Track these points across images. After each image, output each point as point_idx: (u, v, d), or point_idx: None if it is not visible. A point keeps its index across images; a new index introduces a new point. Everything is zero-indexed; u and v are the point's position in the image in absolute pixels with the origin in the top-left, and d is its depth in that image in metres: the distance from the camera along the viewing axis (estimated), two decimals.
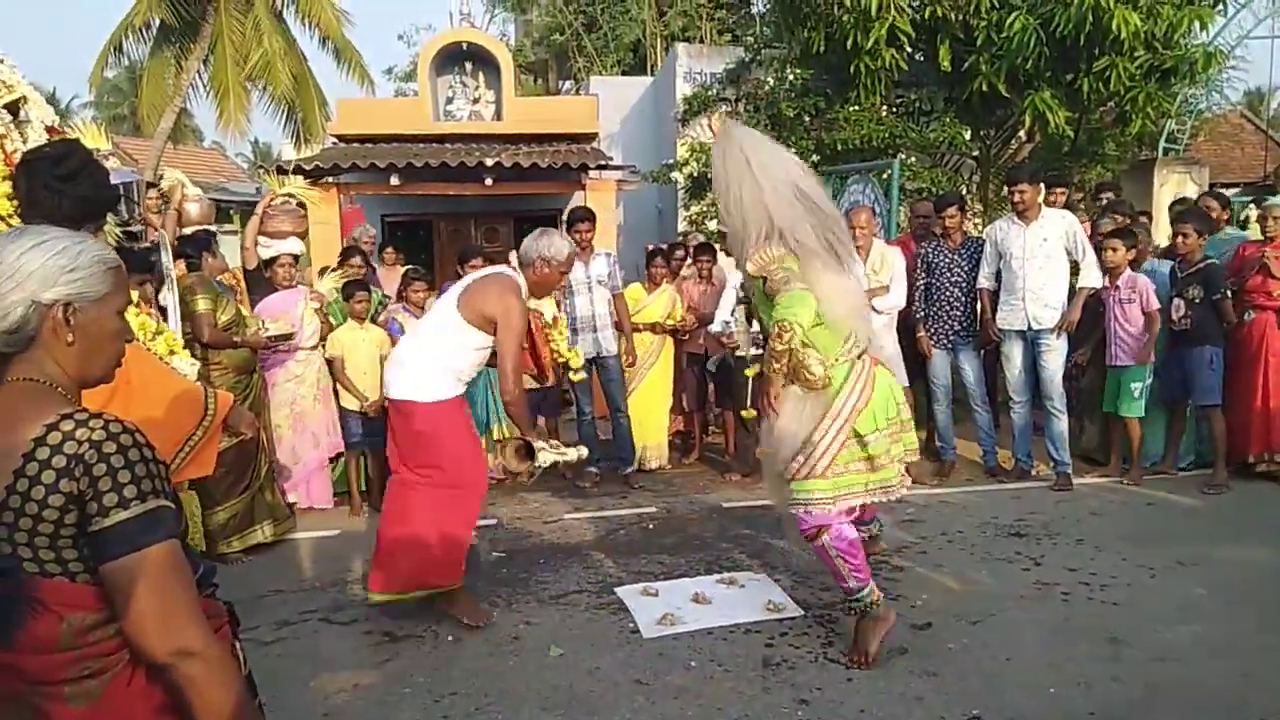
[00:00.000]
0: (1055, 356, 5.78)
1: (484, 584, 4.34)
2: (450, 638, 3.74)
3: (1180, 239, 5.77)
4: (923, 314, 6.17)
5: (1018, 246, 5.75)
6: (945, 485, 5.98)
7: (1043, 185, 6.16)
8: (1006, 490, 5.80)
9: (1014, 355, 5.91)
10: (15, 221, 2.98)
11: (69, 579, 1.27)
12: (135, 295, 3.36)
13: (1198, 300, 5.67)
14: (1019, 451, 6.12)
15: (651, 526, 5.28)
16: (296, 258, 5.84)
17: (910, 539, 4.89)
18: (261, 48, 14.83)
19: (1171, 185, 8.27)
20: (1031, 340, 5.82)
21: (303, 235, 6.18)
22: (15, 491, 1.24)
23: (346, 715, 3.14)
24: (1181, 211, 6.21)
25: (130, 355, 2.97)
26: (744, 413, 4.99)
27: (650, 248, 7.31)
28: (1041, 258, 5.71)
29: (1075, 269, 5.83)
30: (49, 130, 3.35)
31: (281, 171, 8.35)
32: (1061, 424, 5.81)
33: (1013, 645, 3.57)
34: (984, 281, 5.97)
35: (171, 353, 3.32)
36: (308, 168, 8.73)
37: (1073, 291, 5.78)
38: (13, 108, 3.28)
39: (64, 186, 2.80)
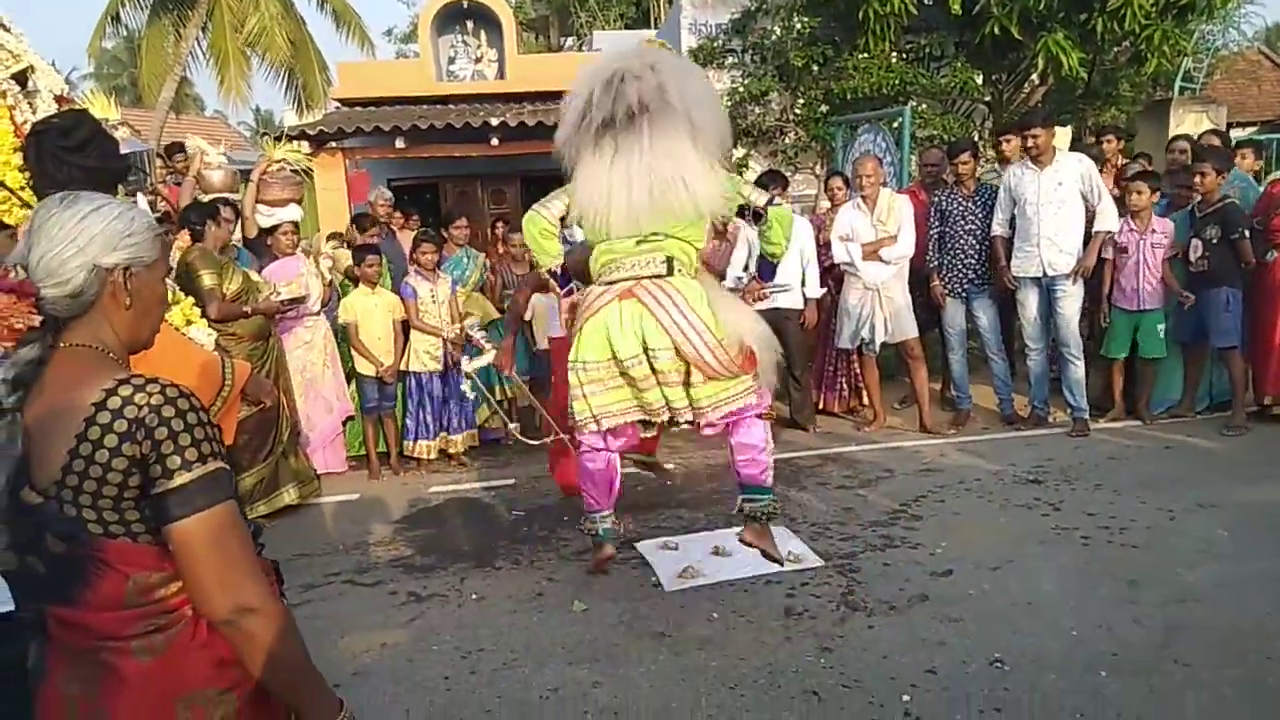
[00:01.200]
0: (1071, 302, 5.72)
1: (505, 543, 4.38)
2: (474, 596, 3.79)
3: (1199, 177, 5.65)
4: (936, 263, 6.11)
5: (1032, 192, 5.66)
6: (962, 434, 5.98)
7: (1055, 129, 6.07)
8: (1023, 437, 5.79)
9: (1029, 302, 5.86)
10: (27, 194, 2.98)
11: (132, 539, 1.29)
12: None
13: (1215, 240, 5.58)
14: (1035, 399, 6.10)
15: (670, 482, 5.30)
16: (297, 225, 5.82)
17: (929, 487, 4.90)
18: (259, 12, 14.64)
19: (1188, 125, 8.09)
20: (1047, 287, 5.76)
21: (300, 201, 6.16)
22: (78, 456, 1.25)
23: (376, 674, 3.19)
24: (1199, 150, 6.11)
25: None
26: None
27: None
28: (1056, 203, 5.62)
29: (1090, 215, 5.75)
30: (58, 100, 3.32)
31: (288, 138, 8.30)
32: (1078, 370, 5.78)
33: (1033, 590, 3.59)
34: (998, 229, 5.89)
35: (189, 323, 3.32)
36: (311, 133, 8.67)
37: (1088, 237, 5.71)
38: (20, 78, 3.24)
39: (73, 157, 2.78)
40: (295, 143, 7.15)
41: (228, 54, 15.02)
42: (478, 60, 10.39)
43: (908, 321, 5.96)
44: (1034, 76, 9.22)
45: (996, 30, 8.08)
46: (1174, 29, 8.07)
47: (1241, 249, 5.54)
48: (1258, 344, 5.72)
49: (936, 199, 6.20)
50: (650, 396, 3.32)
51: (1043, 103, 9.15)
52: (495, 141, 8.66)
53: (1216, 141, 6.35)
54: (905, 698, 2.87)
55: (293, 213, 5.89)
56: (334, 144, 8.83)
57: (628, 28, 15.13)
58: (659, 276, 3.23)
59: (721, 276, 6.12)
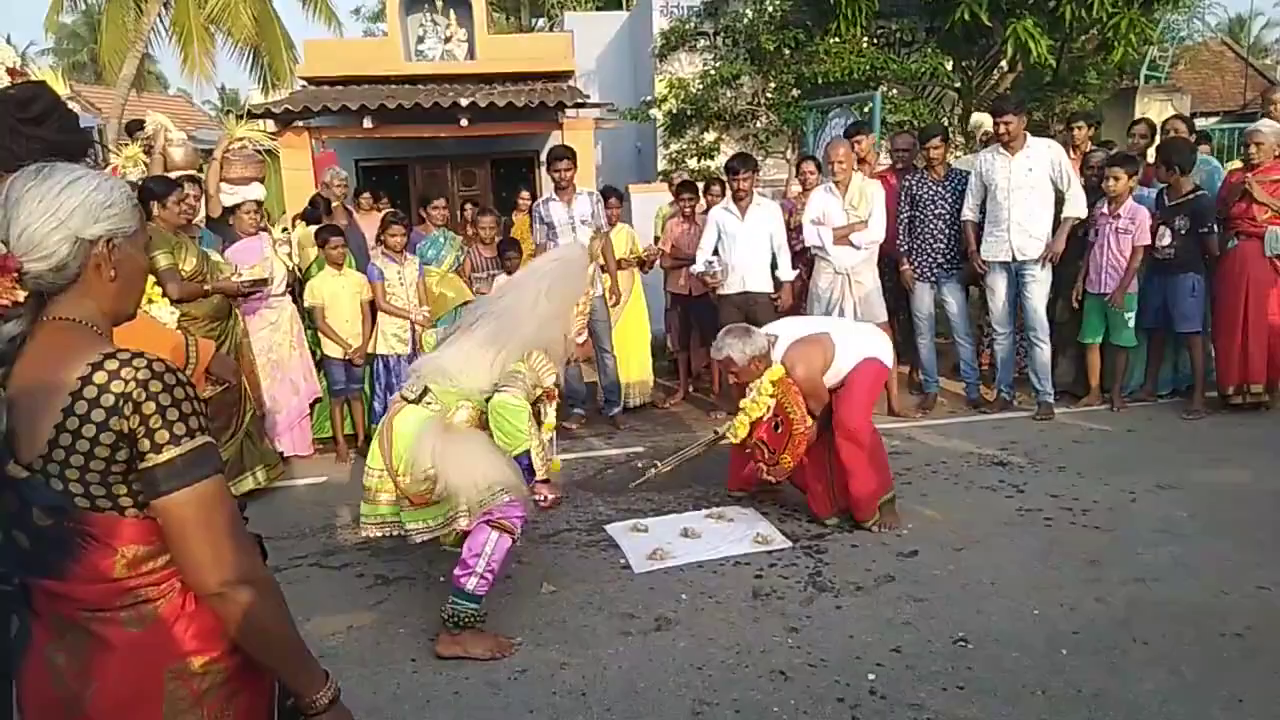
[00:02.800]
0: (1039, 288, 5.78)
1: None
2: (442, 579, 3.75)
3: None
4: (906, 247, 6.15)
5: (1002, 177, 5.70)
6: (929, 417, 6.03)
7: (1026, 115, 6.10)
8: (989, 421, 5.86)
9: (998, 287, 5.91)
10: None
11: (119, 514, 1.30)
12: None
13: (1184, 231, 5.64)
14: (1001, 382, 6.17)
15: (640, 465, 5.29)
16: (259, 203, 5.71)
17: (896, 469, 4.92)
18: None
19: (1153, 113, 8.17)
20: (1016, 271, 5.82)
21: (262, 180, 6.05)
22: (65, 430, 1.25)
23: (343, 656, 3.17)
24: (1163, 144, 6.08)
25: None
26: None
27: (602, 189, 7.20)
28: (1026, 189, 5.66)
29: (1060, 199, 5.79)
30: (10, 72, 3.24)
31: (252, 116, 8.14)
32: (1045, 354, 5.85)
33: (997, 570, 3.64)
34: (969, 214, 5.93)
35: (150, 301, 3.25)
36: (276, 111, 8.51)
37: (1057, 222, 5.76)
38: None
39: (31, 129, 2.70)
40: (258, 121, 7.02)
41: (191, 30, 14.68)
42: (447, 40, 10.25)
43: (877, 305, 5.99)
44: (1003, 63, 9.29)
45: (966, 16, 8.12)
46: (1140, 18, 8.17)
47: (1209, 243, 5.62)
48: (1219, 334, 5.81)
49: (907, 183, 6.22)
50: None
51: (1011, 89, 9.23)
52: (464, 122, 8.56)
53: (1182, 127, 6.36)
54: (871, 676, 2.90)
55: (255, 191, 5.78)
56: (300, 123, 8.67)
57: (599, 9, 15.00)
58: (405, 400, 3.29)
59: (691, 260, 6.15)
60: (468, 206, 7.81)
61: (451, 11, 10.12)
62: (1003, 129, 5.68)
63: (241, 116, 7.20)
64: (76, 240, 1.31)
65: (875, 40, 9.31)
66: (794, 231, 6.23)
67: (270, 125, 8.33)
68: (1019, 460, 5.02)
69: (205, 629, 1.35)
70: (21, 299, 1.34)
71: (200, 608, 1.35)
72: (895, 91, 9.00)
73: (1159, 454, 5.04)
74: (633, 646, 3.16)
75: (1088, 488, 4.51)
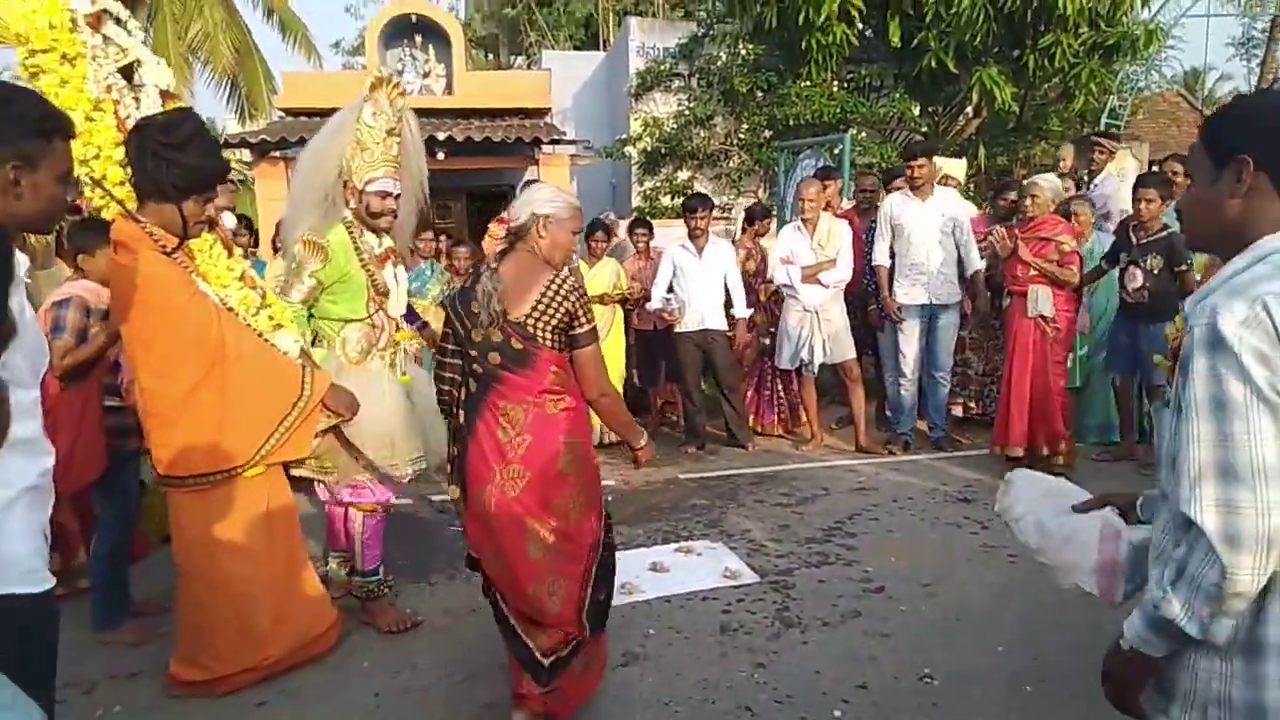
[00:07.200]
0: (953, 330, 5.99)
1: (442, 558, 4.33)
2: (408, 609, 3.73)
3: (1143, 204, 5.29)
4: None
5: (917, 223, 5.81)
6: (894, 456, 6.08)
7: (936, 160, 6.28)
8: (954, 458, 5.93)
9: (912, 332, 5.96)
10: (125, 190, 2.93)
11: (555, 350, 2.61)
12: (239, 269, 3.20)
13: (1156, 271, 5.27)
14: (903, 425, 6.19)
15: (609, 498, 5.26)
16: (234, 233, 5.72)
17: (863, 505, 4.99)
18: (202, 18, 14.39)
19: (1115, 161, 8.43)
20: (931, 315, 5.94)
21: (233, 209, 6.07)
22: (537, 311, 2.58)
23: (305, 694, 3.11)
24: (1144, 175, 5.99)
25: (229, 329, 2.94)
26: None
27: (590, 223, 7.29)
28: (940, 234, 5.80)
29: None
30: (163, 95, 3.24)
31: (228, 145, 8.14)
32: (945, 391, 6.11)
33: (962, 606, 3.67)
34: (880, 258, 5.98)
35: (278, 327, 3.20)
36: (253, 141, 8.53)
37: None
38: (127, 72, 3.17)
39: (173, 155, 2.74)
40: (234, 151, 7.03)
41: (169, 60, 14.65)
42: (425, 75, 10.36)
43: (846, 343, 6.07)
44: (968, 109, 9.54)
45: (934, 63, 8.35)
46: (1100, 68, 8.45)
47: (1187, 280, 5.14)
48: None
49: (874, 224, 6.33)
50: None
51: (976, 135, 9.47)
52: (441, 155, 8.62)
53: (1179, 166, 5.91)
54: (837, 713, 2.91)
55: (227, 220, 5.79)
56: (276, 153, 8.69)
57: (577, 49, 15.22)
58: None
59: (647, 298, 6.19)
60: (442, 238, 7.84)
61: (430, 47, 10.24)
62: (916, 173, 5.80)
63: (230, 145, 7.20)
64: (532, 215, 2.65)
65: (845, 84, 9.54)
66: (755, 275, 6.40)
67: (246, 155, 8.34)
68: (983, 497, 5.08)
69: (585, 422, 2.76)
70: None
71: (580, 408, 2.69)
72: (864, 134, 9.20)
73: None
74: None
75: None
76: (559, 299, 2.56)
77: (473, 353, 2.61)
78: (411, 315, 3.84)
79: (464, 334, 2.63)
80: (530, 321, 2.55)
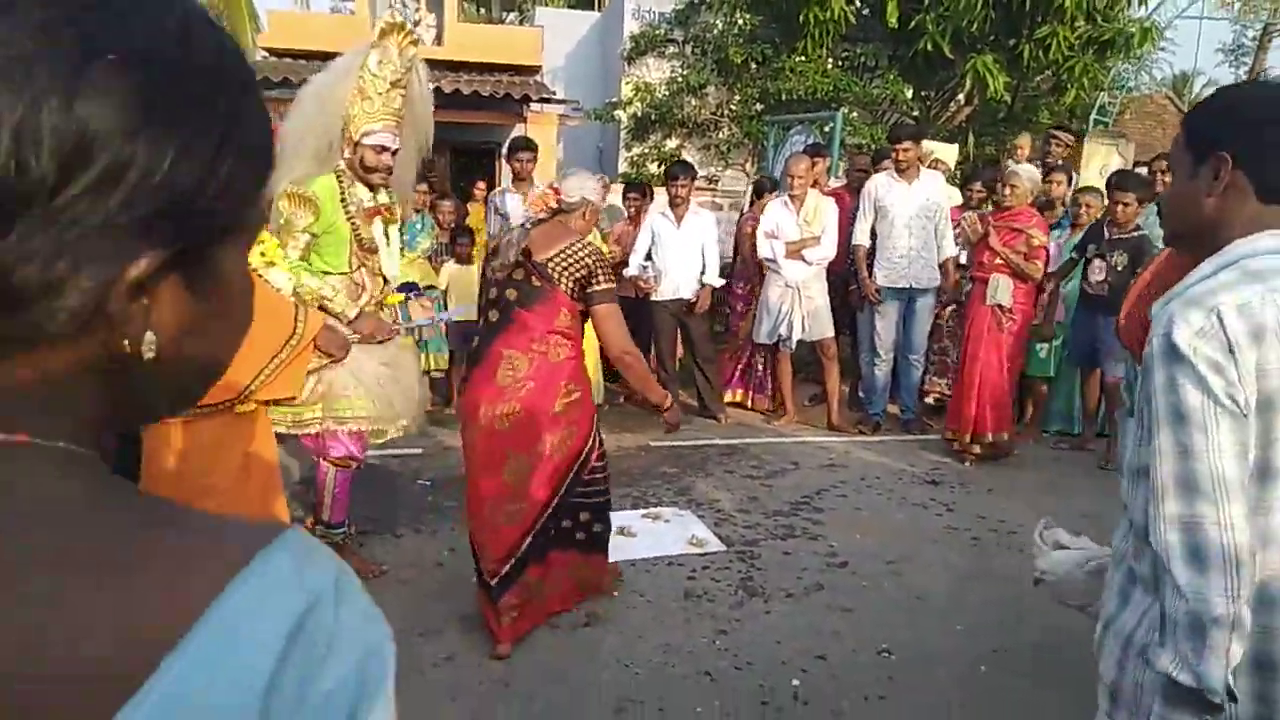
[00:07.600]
0: (929, 314, 6.02)
1: (408, 512, 4.30)
2: (374, 562, 3.70)
3: (1120, 207, 5.33)
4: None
5: (900, 206, 5.80)
6: (864, 435, 6.12)
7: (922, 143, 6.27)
8: (923, 441, 5.98)
9: (890, 314, 5.98)
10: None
11: (570, 297, 2.93)
12: None
13: (1120, 268, 5.35)
14: (875, 406, 6.22)
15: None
16: None
17: (832, 482, 5.01)
18: None
19: (1100, 157, 8.46)
20: (909, 298, 5.96)
21: None
22: (559, 258, 2.92)
23: None
24: (1123, 174, 5.91)
25: None
26: None
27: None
28: (923, 218, 5.80)
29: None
30: None
31: None
32: (918, 374, 6.13)
33: (924, 585, 3.71)
34: (860, 238, 5.98)
35: (271, 264, 3.12)
36: None
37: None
38: None
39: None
40: None
41: None
42: (416, 24, 10.13)
43: (825, 321, 6.08)
44: (960, 95, 9.52)
45: (929, 47, 8.31)
46: (1094, 63, 8.45)
47: None
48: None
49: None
50: None
51: (967, 122, 9.46)
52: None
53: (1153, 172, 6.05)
54: (795, 682, 2.93)
55: None
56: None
57: (572, 7, 14.98)
58: None
59: (625, 264, 6.15)
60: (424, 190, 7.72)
61: None
62: (901, 156, 5.78)
63: None
64: (584, 200, 3.09)
65: (840, 63, 9.47)
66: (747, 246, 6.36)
67: None
68: (950, 480, 5.13)
69: (582, 370, 3.07)
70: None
71: (579, 359, 3.03)
72: (855, 114, 9.16)
73: (1085, 482, 5.19)
74: (561, 639, 3.15)
75: (1014, 510, 4.63)
76: (582, 254, 2.92)
77: (492, 292, 2.99)
78: (411, 286, 3.83)
79: (490, 274, 3.02)
80: (552, 265, 2.90)
